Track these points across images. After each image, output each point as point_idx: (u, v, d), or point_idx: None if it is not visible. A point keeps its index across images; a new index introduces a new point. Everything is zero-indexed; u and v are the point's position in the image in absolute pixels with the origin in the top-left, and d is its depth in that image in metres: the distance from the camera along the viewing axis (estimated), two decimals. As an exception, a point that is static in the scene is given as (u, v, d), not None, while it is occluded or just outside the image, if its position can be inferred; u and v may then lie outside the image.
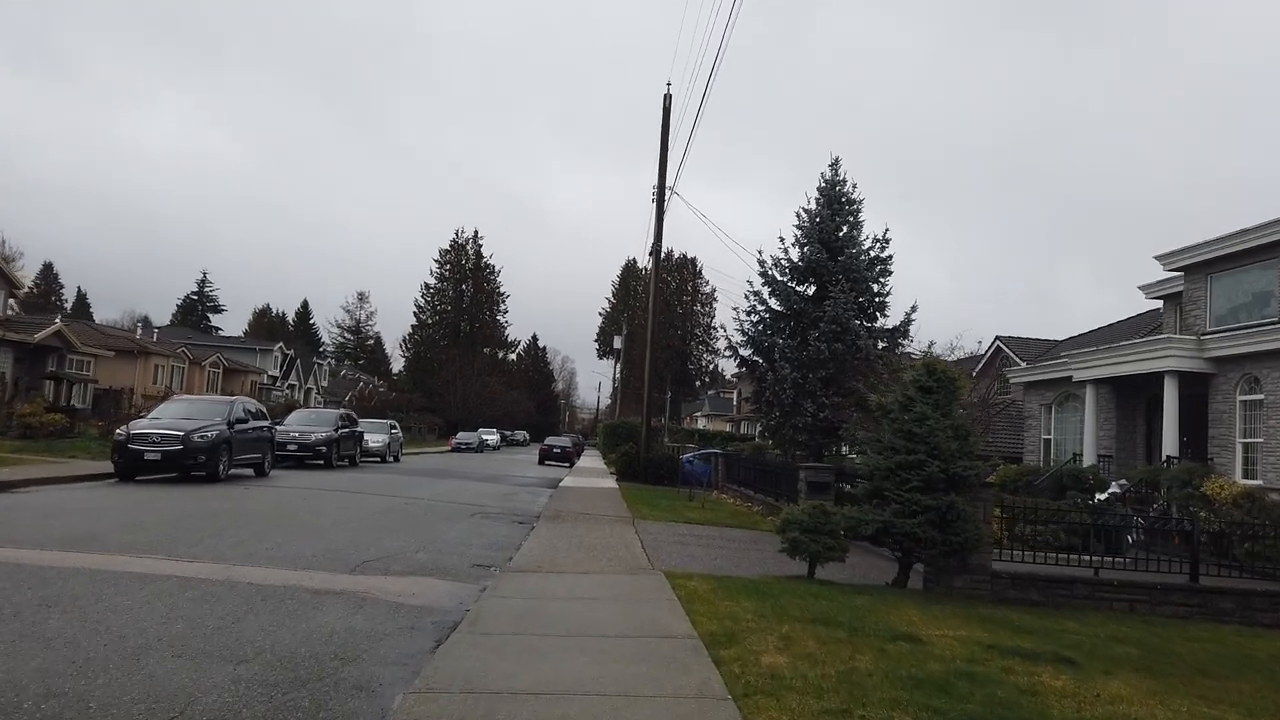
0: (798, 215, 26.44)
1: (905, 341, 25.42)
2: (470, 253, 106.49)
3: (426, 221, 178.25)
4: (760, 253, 26.58)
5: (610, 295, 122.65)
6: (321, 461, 27.52)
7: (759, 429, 56.03)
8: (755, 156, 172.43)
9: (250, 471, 21.74)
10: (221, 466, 19.24)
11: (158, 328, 68.28)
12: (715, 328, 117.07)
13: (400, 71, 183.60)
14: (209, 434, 18.96)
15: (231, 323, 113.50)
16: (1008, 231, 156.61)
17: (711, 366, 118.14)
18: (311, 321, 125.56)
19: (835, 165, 26.45)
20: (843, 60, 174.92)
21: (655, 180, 31.02)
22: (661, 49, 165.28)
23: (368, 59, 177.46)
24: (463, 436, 63.75)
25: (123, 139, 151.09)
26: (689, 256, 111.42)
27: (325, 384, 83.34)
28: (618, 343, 76.07)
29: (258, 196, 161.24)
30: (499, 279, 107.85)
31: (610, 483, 28.38)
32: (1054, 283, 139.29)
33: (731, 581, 9.11)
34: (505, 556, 10.92)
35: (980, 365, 36.39)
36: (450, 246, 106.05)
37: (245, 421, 20.86)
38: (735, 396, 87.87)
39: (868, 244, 25.83)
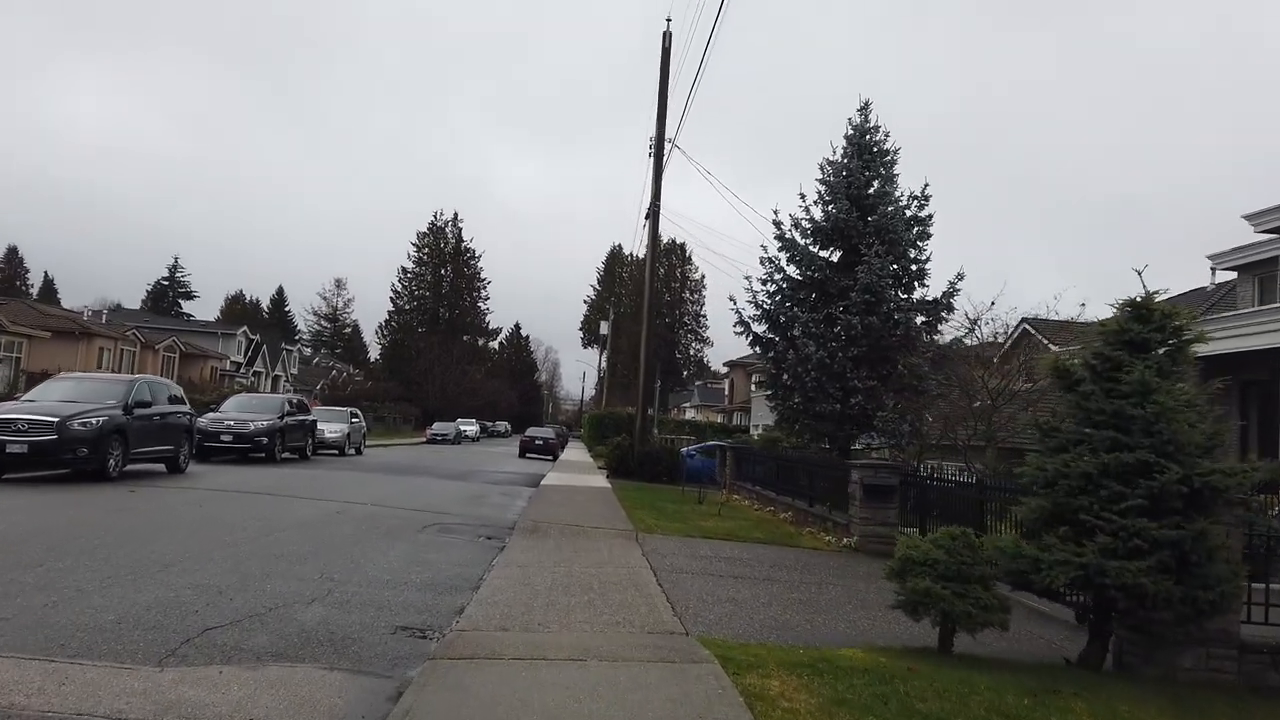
0: (821, 168, 22.55)
1: (948, 315, 21.58)
2: (450, 236, 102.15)
3: (407, 209, 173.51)
4: (776, 212, 22.66)
5: (595, 283, 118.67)
6: (263, 455, 23.48)
7: (774, 418, 51.93)
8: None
9: (161, 467, 17.75)
10: (112, 461, 15.20)
11: (106, 310, 63.64)
12: (704, 315, 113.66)
13: (364, 57, 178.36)
14: (94, 420, 14.90)
15: (204, 309, 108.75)
16: (961, 214, 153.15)
17: (700, 356, 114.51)
18: (287, 309, 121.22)
19: (865, 109, 22.53)
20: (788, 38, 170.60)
21: (648, 147, 27.12)
22: (645, 20, 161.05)
23: (306, 40, 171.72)
24: (438, 427, 59.63)
25: (61, 123, 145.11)
26: (678, 242, 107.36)
27: (295, 371, 78.84)
28: (604, 328, 72.12)
29: (220, 182, 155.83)
30: (480, 264, 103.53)
31: (600, 480, 24.46)
32: (1007, 268, 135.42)
33: (832, 670, 5.24)
34: (453, 608, 7.01)
35: (1003, 350, 32.78)
36: (428, 229, 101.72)
37: (149, 405, 16.78)
38: (727, 387, 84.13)
39: (903, 201, 21.97)
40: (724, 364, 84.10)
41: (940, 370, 21.49)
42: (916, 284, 21.87)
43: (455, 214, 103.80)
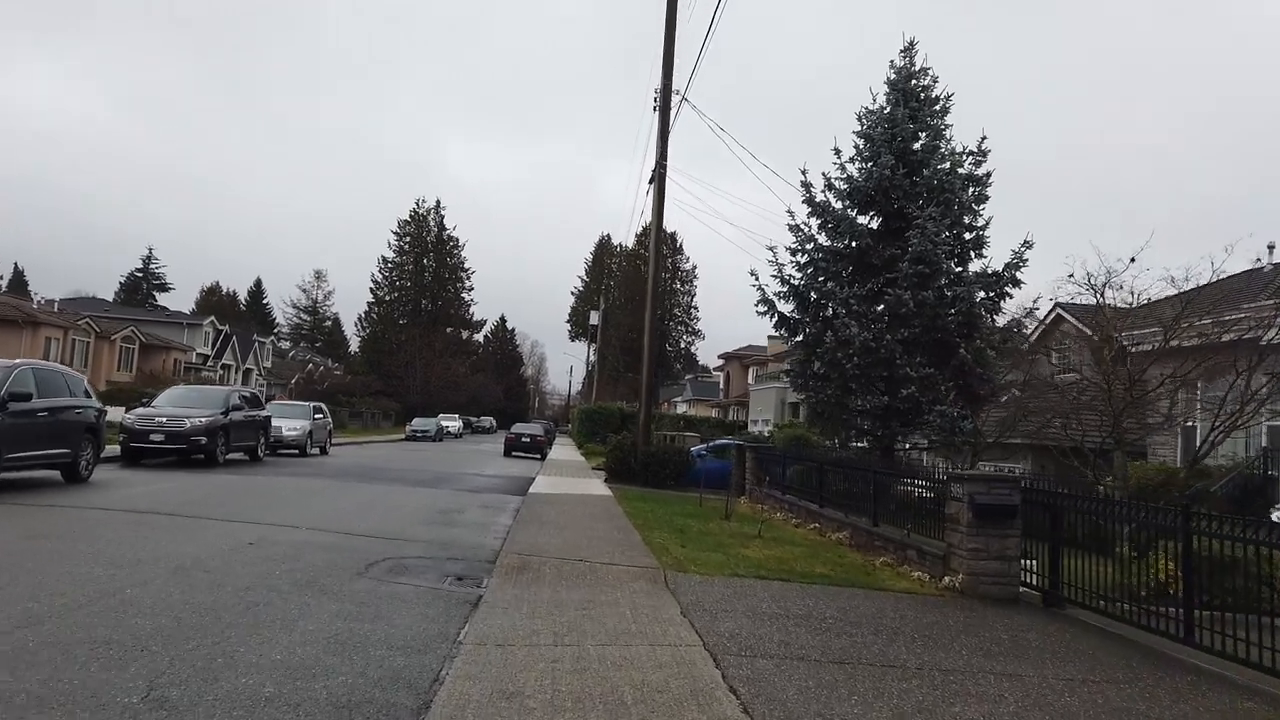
0: (859, 118, 19.19)
1: (1013, 290, 18.26)
2: (432, 225, 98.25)
3: (388, 200, 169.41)
4: (805, 172, 19.33)
5: (583, 274, 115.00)
6: (203, 457, 19.94)
7: (773, 412, 48.66)
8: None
9: (57, 474, 14.30)
10: (-30, 472, 11.71)
11: (57, 300, 59.69)
12: (695, 307, 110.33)
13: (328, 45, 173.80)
14: (-58, 418, 11.41)
15: (180, 302, 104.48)
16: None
17: (690, 348, 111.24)
18: (265, 301, 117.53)
19: (909, 50, 19.21)
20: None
21: (653, 100, 23.67)
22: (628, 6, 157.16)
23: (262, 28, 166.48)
24: (418, 423, 56.02)
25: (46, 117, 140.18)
26: (668, 231, 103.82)
27: (269, 364, 75.00)
28: (594, 318, 68.61)
29: (198, 175, 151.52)
30: (463, 253, 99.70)
31: (598, 485, 21.03)
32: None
33: None
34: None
35: (1034, 336, 29.56)
36: (410, 218, 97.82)
37: (30, 398, 13.22)
38: (722, 380, 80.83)
39: (959, 154, 18.64)
40: (719, 356, 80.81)
41: (1006, 355, 18.28)
42: (973, 254, 18.57)
43: (438, 201, 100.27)
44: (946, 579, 9.44)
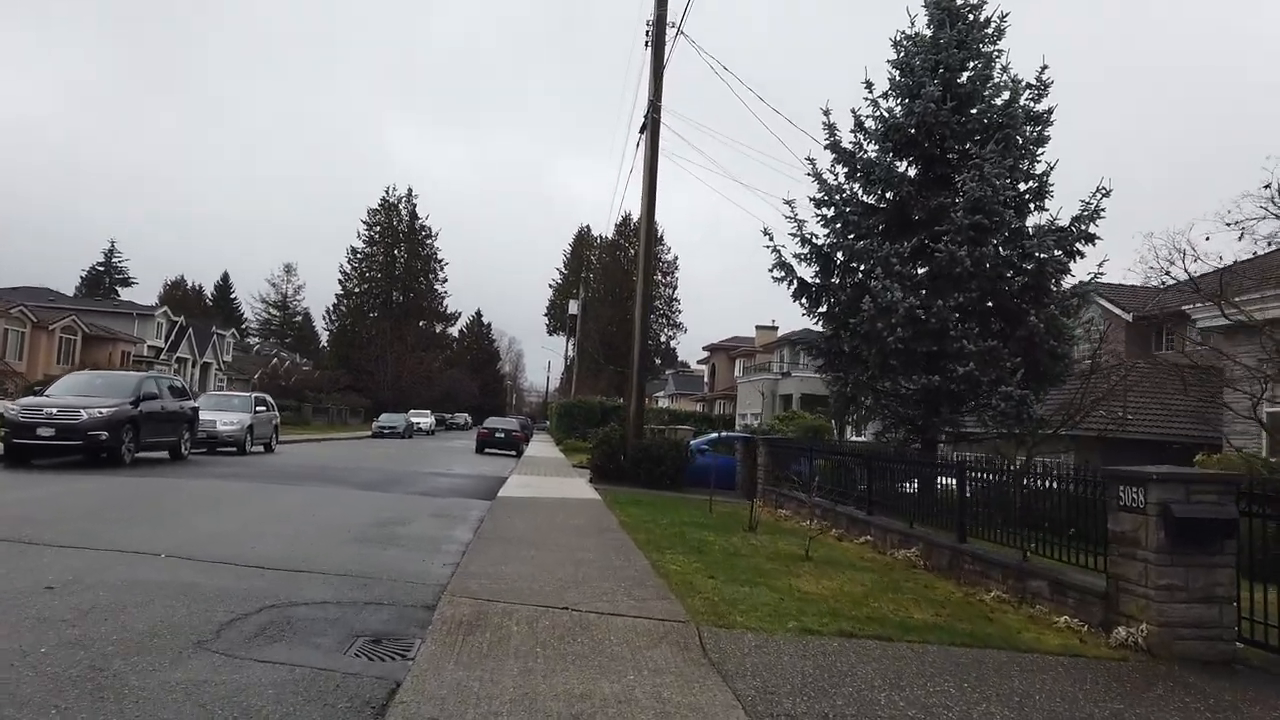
0: (895, 45, 16.02)
1: (1085, 247, 15.12)
2: (403, 213, 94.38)
3: (362, 194, 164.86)
4: (827, 113, 16.16)
5: (561, 266, 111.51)
6: (105, 454, 16.51)
7: (760, 405, 45.39)
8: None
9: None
10: None
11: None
12: (676, 299, 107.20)
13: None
14: None
15: (143, 296, 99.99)
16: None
17: (670, 342, 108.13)
18: (233, 296, 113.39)
19: (952, -37, 16.06)
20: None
21: (645, 33, 20.35)
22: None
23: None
24: (386, 419, 52.50)
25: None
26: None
27: (229, 358, 70.87)
28: (574, 308, 65.23)
29: (168, 173, 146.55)
30: (436, 243, 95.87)
31: (582, 486, 17.73)
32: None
33: None
34: None
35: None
36: (380, 206, 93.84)
37: None
38: (706, 373, 77.75)
39: (1021, 84, 15.49)
40: (704, 348, 77.67)
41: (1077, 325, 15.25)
42: (1034, 205, 15.43)
43: (409, 190, 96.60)
44: (1121, 630, 6.25)
